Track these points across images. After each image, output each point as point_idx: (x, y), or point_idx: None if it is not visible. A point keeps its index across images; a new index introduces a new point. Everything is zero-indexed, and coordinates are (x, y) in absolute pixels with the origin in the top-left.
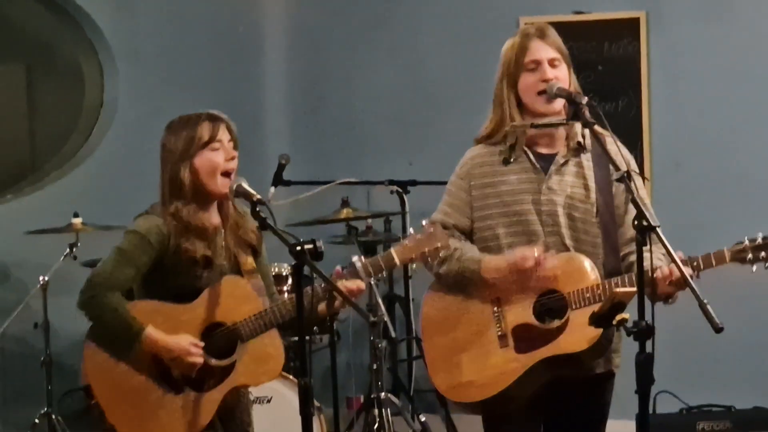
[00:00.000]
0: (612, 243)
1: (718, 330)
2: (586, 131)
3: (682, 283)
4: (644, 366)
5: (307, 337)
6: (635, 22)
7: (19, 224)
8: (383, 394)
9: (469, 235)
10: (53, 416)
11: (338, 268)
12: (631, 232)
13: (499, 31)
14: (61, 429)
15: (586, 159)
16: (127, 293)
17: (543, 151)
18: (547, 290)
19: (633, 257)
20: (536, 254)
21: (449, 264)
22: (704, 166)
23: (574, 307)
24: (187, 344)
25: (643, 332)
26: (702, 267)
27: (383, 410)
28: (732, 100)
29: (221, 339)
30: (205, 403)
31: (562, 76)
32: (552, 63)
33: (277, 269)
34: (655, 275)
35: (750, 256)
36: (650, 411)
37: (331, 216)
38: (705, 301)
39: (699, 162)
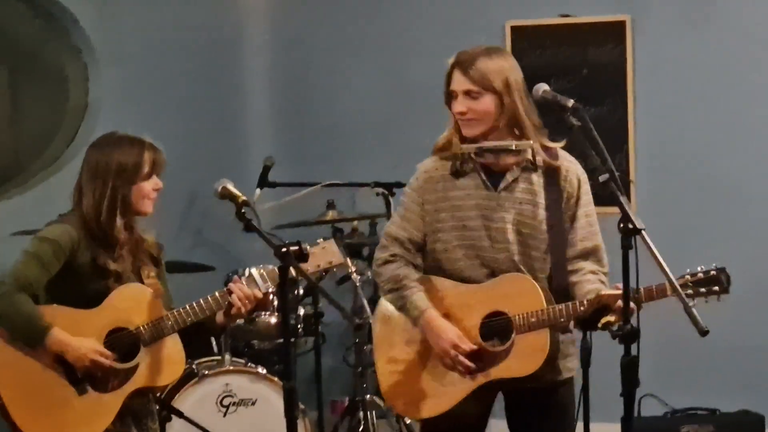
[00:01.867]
0: (560, 261)
1: (704, 333)
2: (537, 149)
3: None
4: (629, 369)
5: (292, 340)
6: (620, 26)
7: (4, 226)
8: (368, 396)
9: (422, 247)
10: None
11: (236, 276)
12: (574, 251)
13: (486, 36)
14: None
15: (537, 176)
16: (33, 298)
17: (494, 168)
18: (494, 312)
19: (575, 277)
20: (462, 348)
21: (394, 296)
22: (688, 169)
23: (519, 331)
24: (93, 345)
25: (628, 335)
26: (644, 299)
27: (368, 413)
28: (716, 103)
29: (124, 343)
30: (108, 403)
31: (481, 107)
32: (468, 94)
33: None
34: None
35: (690, 290)
36: (635, 414)
37: (316, 218)
38: (690, 304)
39: (683, 165)
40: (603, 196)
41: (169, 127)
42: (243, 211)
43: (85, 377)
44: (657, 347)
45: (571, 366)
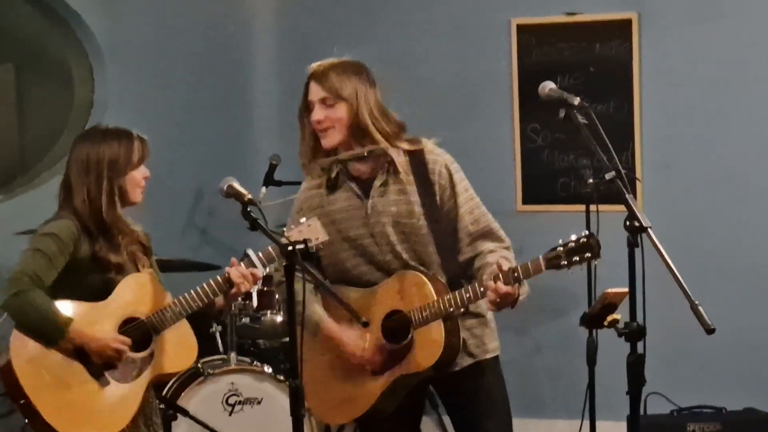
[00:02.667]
0: (447, 250)
1: (710, 331)
2: (399, 151)
3: (511, 296)
4: (635, 367)
5: (299, 339)
6: (626, 23)
7: (10, 225)
8: None
9: (317, 261)
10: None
11: (233, 259)
12: (467, 238)
13: (491, 33)
14: None
15: (406, 176)
16: None
17: (363, 176)
18: (392, 310)
19: (477, 262)
20: (359, 351)
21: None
22: (695, 167)
23: (415, 326)
24: (114, 335)
25: (634, 333)
26: (522, 277)
27: None
28: (723, 101)
29: (136, 332)
30: (131, 393)
31: (336, 115)
32: (324, 102)
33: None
34: (482, 290)
35: (564, 261)
36: (641, 412)
37: None
38: (696, 302)
39: (690, 163)
40: (609, 194)
41: (175, 126)
42: (249, 209)
43: (104, 369)
44: (663, 345)
45: (489, 347)
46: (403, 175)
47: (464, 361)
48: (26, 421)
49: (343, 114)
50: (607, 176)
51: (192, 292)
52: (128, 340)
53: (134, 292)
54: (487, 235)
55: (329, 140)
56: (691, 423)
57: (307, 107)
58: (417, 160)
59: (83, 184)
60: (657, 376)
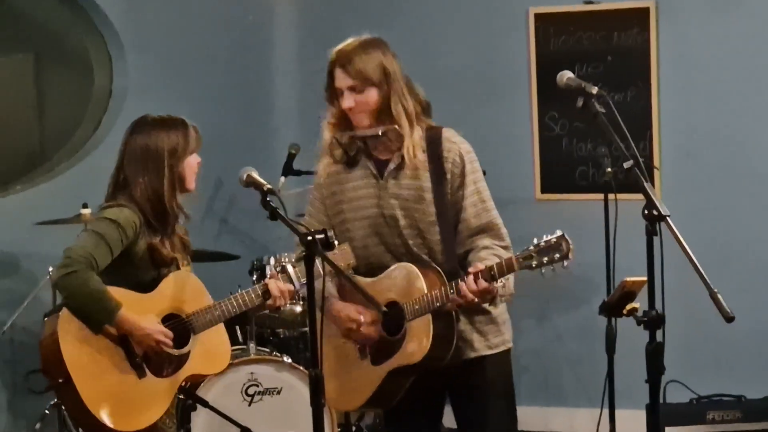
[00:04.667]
0: (448, 243)
1: (729, 319)
2: (415, 135)
3: (489, 293)
4: (654, 355)
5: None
6: (644, 11)
7: (29, 215)
8: None
9: None
10: (63, 407)
11: (273, 271)
12: (468, 229)
13: (510, 22)
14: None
15: (421, 161)
16: None
17: (382, 157)
18: (390, 302)
19: (471, 255)
20: (360, 318)
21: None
22: (714, 156)
23: (408, 318)
24: (160, 326)
25: (653, 321)
26: (497, 276)
27: None
28: (742, 89)
29: (177, 330)
30: (166, 388)
31: (365, 99)
32: (352, 89)
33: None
34: (458, 287)
35: (535, 262)
36: (660, 401)
37: None
38: (715, 290)
39: (709, 152)
40: (628, 183)
41: (194, 115)
42: (268, 199)
43: (143, 361)
44: (682, 333)
45: (493, 342)
46: (417, 159)
47: (468, 355)
48: (53, 401)
49: (374, 97)
50: (626, 165)
51: (232, 298)
52: (171, 334)
53: (178, 290)
54: (487, 230)
55: (362, 121)
56: (711, 411)
57: (334, 92)
58: (434, 145)
59: (143, 175)
60: (676, 365)
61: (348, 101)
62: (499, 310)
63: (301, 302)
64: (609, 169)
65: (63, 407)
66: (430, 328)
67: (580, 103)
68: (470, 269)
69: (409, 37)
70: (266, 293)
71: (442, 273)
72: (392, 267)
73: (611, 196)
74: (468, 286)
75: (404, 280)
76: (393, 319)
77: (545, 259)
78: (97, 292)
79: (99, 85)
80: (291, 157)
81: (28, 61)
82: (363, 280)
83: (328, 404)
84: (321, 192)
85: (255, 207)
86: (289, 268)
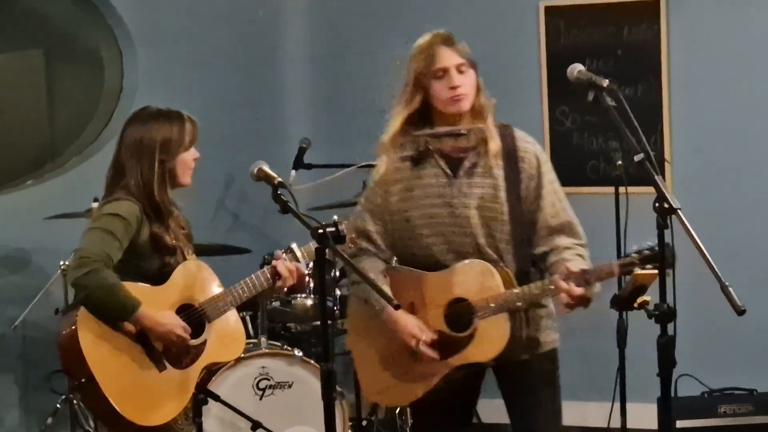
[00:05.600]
0: (521, 240)
1: (740, 312)
2: (493, 133)
3: (582, 299)
4: (666, 349)
5: (329, 322)
6: (655, 5)
7: (39, 210)
8: None
9: (386, 238)
10: (74, 401)
11: (279, 252)
12: (546, 229)
13: (520, 16)
14: (82, 414)
15: (495, 159)
16: None
17: (452, 154)
18: (457, 298)
19: (553, 257)
20: (422, 337)
21: (359, 288)
22: (725, 149)
23: (480, 316)
24: (178, 320)
25: (665, 315)
26: (593, 281)
27: None
28: (752, 83)
29: (192, 319)
30: (187, 379)
31: (469, 81)
32: (459, 69)
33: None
34: (552, 288)
35: (638, 269)
36: (672, 394)
37: (352, 199)
38: (726, 283)
39: (720, 146)
40: (638, 176)
41: (205, 109)
42: (279, 192)
43: (162, 354)
44: (694, 327)
45: (547, 339)
46: (492, 158)
47: (521, 355)
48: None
49: (474, 80)
50: (636, 158)
51: (242, 283)
52: (189, 328)
53: (188, 279)
54: (565, 229)
55: (461, 106)
56: (722, 405)
57: (433, 74)
58: (508, 144)
59: (136, 166)
60: (687, 358)
61: (456, 80)
62: (551, 308)
63: (313, 295)
64: (620, 163)
65: (85, 405)
66: (507, 329)
67: (590, 97)
68: (571, 268)
69: (419, 31)
70: (276, 275)
71: (511, 274)
72: (464, 262)
73: (622, 189)
74: (571, 291)
75: (478, 277)
76: (459, 315)
77: (649, 267)
78: (116, 290)
79: (109, 81)
80: (302, 151)
81: (39, 58)
82: (431, 274)
83: (371, 398)
84: (383, 188)
85: (266, 201)
86: (294, 246)
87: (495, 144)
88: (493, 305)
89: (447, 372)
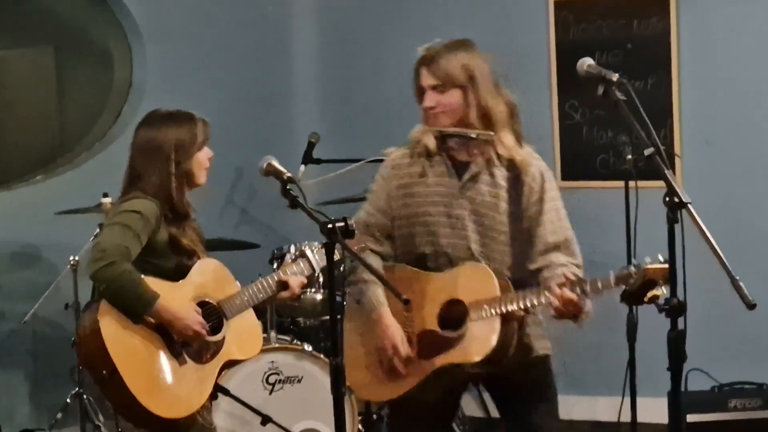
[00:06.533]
0: (520, 255)
1: (751, 307)
2: (506, 143)
3: (577, 307)
4: (676, 343)
5: (339, 317)
6: None
7: (49, 205)
8: None
9: (390, 234)
10: (84, 396)
11: (288, 258)
12: (544, 245)
13: (530, 10)
14: (92, 409)
15: (501, 170)
16: None
17: (460, 158)
18: (452, 299)
19: (547, 272)
20: (401, 351)
21: (354, 289)
22: (735, 143)
23: (472, 318)
24: (197, 316)
25: (675, 309)
26: (589, 292)
27: None
28: (762, 77)
29: (210, 316)
30: (207, 374)
31: (449, 100)
32: (435, 89)
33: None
34: (547, 296)
35: (635, 282)
36: (682, 389)
37: (360, 194)
38: (737, 277)
39: (729, 139)
40: (648, 170)
41: (214, 105)
42: (288, 187)
43: (182, 348)
44: (704, 321)
45: (538, 346)
46: (498, 168)
47: (513, 363)
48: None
49: (457, 99)
50: (646, 152)
51: (258, 283)
52: (206, 324)
53: (206, 277)
54: (562, 247)
55: (437, 122)
56: (733, 399)
57: (420, 90)
58: (514, 156)
59: (152, 169)
60: (697, 352)
61: (429, 100)
62: (540, 318)
63: (322, 290)
64: (629, 157)
65: (107, 399)
66: (497, 333)
67: (600, 90)
68: (566, 276)
69: (428, 26)
70: (283, 287)
71: (510, 284)
72: (466, 264)
73: (632, 183)
74: (563, 295)
75: (475, 280)
76: (453, 316)
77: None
78: (135, 282)
79: (119, 77)
80: (311, 146)
81: (49, 53)
82: (432, 274)
83: (358, 393)
84: (389, 184)
85: (275, 196)
86: (308, 252)
87: (503, 152)
88: (486, 307)
89: (430, 372)
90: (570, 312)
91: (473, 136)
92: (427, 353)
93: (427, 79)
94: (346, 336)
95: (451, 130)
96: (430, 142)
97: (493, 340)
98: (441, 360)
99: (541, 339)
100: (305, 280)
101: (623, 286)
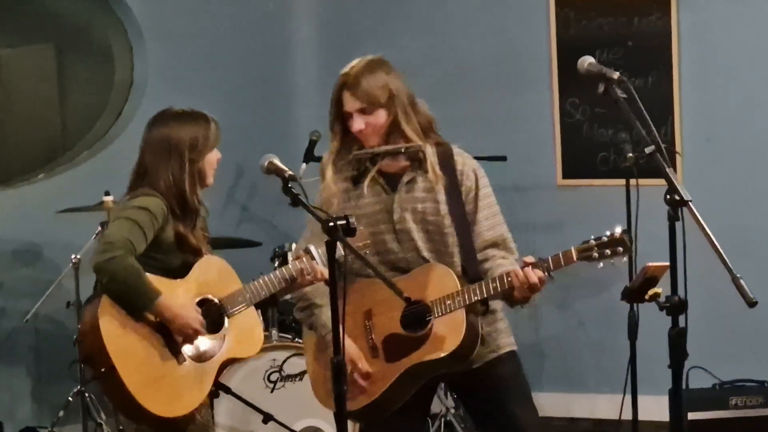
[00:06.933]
0: (469, 253)
1: (752, 304)
2: (427, 150)
3: (538, 286)
4: (677, 341)
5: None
6: None
7: (51, 203)
8: None
9: None
10: (86, 394)
11: (301, 252)
12: (482, 242)
13: (531, 7)
14: (94, 407)
15: (434, 174)
16: None
17: (391, 171)
18: (414, 300)
19: (488, 264)
20: (359, 367)
21: (304, 314)
22: (736, 141)
23: (436, 315)
24: (197, 314)
25: (676, 307)
26: (552, 268)
27: None
28: (763, 74)
29: (210, 313)
30: (206, 372)
31: (375, 121)
32: (362, 111)
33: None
34: (510, 279)
35: (595, 254)
36: (683, 386)
37: None
38: (738, 275)
39: (730, 137)
40: (649, 168)
41: (215, 103)
42: (290, 185)
43: (181, 347)
44: (705, 319)
45: (503, 342)
46: (431, 173)
47: (480, 359)
48: (76, 389)
49: (383, 119)
50: (647, 150)
51: (260, 280)
52: (204, 322)
53: (209, 274)
54: (500, 244)
55: (371, 141)
56: (734, 397)
57: (340, 116)
58: (446, 159)
59: (166, 167)
60: (699, 350)
61: (358, 123)
62: (502, 315)
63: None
64: (630, 155)
65: (105, 395)
66: (464, 323)
67: (601, 88)
68: (526, 259)
69: (429, 24)
70: (294, 278)
71: (465, 278)
72: (423, 266)
73: (633, 181)
74: (528, 276)
75: (434, 279)
76: (414, 317)
77: (607, 251)
78: (138, 277)
79: (120, 75)
80: (312, 144)
81: (50, 52)
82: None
83: (326, 406)
84: (327, 210)
85: (276, 194)
86: (313, 249)
87: (432, 158)
88: (449, 302)
89: (403, 371)
90: (530, 295)
91: (402, 150)
92: (395, 356)
93: (353, 104)
94: (308, 349)
95: (381, 149)
96: (329, 171)
97: (462, 331)
98: (412, 359)
99: (507, 335)
100: (323, 271)
101: (585, 261)
